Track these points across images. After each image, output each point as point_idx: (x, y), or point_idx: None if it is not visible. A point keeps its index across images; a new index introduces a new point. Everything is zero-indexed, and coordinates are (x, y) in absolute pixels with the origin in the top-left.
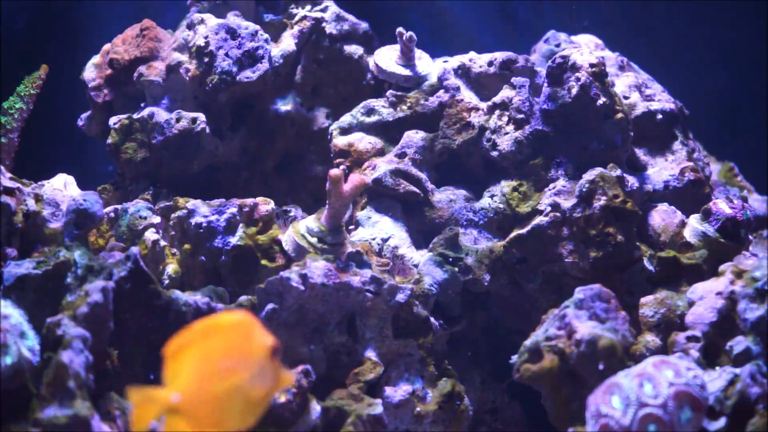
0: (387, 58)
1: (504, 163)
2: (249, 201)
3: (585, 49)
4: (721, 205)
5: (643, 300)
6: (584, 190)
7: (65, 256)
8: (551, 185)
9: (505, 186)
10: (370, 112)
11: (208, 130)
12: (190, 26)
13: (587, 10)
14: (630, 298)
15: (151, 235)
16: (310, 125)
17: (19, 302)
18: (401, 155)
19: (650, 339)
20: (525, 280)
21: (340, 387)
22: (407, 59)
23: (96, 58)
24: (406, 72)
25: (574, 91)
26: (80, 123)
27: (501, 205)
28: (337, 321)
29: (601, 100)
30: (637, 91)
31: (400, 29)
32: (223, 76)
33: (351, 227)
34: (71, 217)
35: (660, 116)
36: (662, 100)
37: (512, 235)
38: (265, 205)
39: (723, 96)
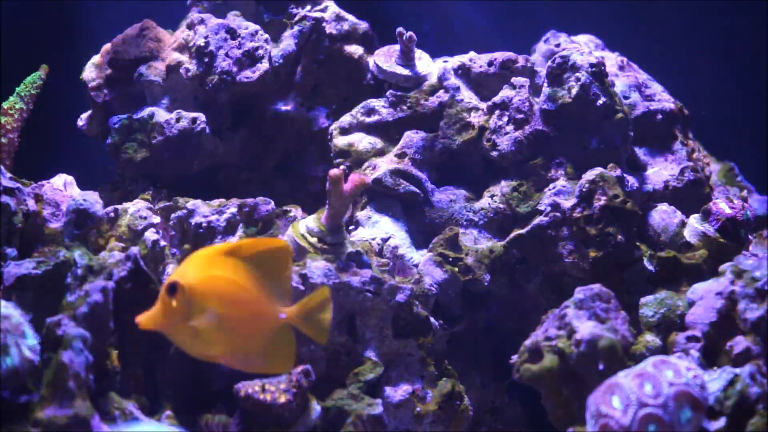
0: (387, 58)
1: (504, 163)
2: (249, 201)
3: (585, 49)
4: (721, 205)
5: (643, 300)
6: (584, 190)
7: (65, 256)
8: (551, 185)
9: (505, 186)
10: (370, 112)
11: (208, 130)
12: (190, 26)
13: (587, 10)
14: (630, 298)
15: (151, 235)
16: (310, 125)
17: (19, 302)
18: (401, 155)
19: (650, 339)
20: (525, 280)
21: (340, 387)
22: (407, 59)
23: (96, 58)
24: (406, 72)
25: (574, 91)
26: (80, 123)
27: (501, 205)
28: (337, 321)
29: (601, 100)
30: (637, 91)
31: (400, 29)
32: (223, 76)
33: (351, 227)
34: (71, 217)
35: (660, 116)
36: (662, 100)
37: (512, 235)
38: (265, 205)
39: (723, 96)
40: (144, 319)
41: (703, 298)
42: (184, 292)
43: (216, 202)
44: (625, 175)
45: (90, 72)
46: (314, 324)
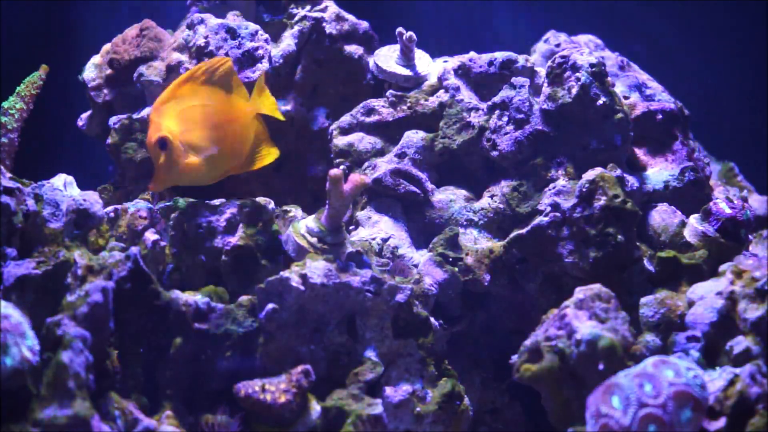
0: (387, 58)
1: (504, 163)
2: (249, 201)
3: (585, 49)
4: (721, 205)
5: (643, 300)
6: (584, 190)
7: (65, 256)
8: (551, 185)
9: (505, 186)
10: (370, 112)
11: None
12: (190, 26)
13: (587, 10)
14: (630, 298)
15: (151, 235)
16: (310, 125)
17: (19, 302)
18: (401, 155)
19: (650, 339)
20: (525, 280)
21: (340, 387)
22: (407, 59)
23: (96, 58)
24: (406, 72)
25: (574, 91)
26: (80, 123)
27: (501, 205)
28: (337, 321)
29: (601, 100)
30: (637, 91)
31: (400, 29)
32: None
33: (351, 227)
34: (71, 217)
35: (660, 116)
36: (662, 100)
37: (512, 235)
38: (265, 205)
39: (723, 96)
40: (153, 185)
41: (703, 298)
42: (173, 142)
43: (216, 202)
44: (625, 175)
45: (90, 72)
46: (265, 104)
